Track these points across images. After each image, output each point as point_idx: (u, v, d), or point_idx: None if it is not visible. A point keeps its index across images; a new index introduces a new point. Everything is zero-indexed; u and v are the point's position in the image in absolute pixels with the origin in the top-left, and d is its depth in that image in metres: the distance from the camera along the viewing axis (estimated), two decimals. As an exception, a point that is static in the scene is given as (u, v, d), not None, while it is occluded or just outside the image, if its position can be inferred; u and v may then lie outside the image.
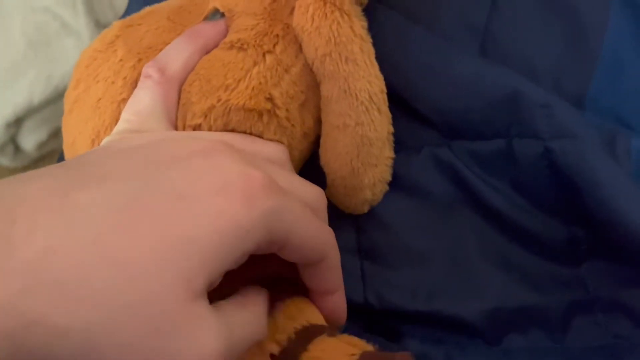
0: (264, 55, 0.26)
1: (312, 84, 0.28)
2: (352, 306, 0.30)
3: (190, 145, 0.21)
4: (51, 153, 0.54)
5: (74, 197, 0.18)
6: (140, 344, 0.17)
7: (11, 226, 0.17)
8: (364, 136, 0.27)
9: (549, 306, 0.29)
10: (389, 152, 0.29)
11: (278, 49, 0.27)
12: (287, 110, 0.27)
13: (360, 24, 0.27)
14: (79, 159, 0.21)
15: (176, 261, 0.18)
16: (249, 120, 0.26)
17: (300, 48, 0.27)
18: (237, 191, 0.19)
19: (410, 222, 0.31)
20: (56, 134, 0.52)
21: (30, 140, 0.51)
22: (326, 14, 0.26)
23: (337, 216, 0.31)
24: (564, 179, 0.29)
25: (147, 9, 0.31)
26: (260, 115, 0.26)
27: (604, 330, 0.29)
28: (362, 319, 0.31)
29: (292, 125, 0.27)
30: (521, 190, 0.30)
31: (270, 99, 0.26)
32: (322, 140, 0.28)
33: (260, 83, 0.26)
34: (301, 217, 0.21)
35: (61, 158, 0.35)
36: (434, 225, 0.31)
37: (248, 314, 0.21)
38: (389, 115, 0.28)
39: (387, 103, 0.28)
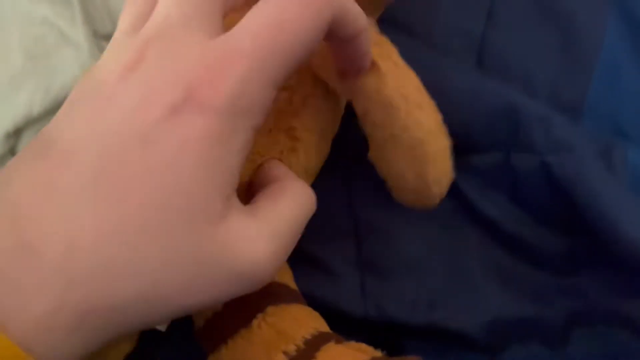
0: None
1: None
2: (352, 319, 0.30)
3: None
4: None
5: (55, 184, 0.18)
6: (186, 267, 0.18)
7: (23, 234, 0.17)
8: (413, 138, 0.26)
9: (549, 317, 0.30)
10: (443, 142, 0.27)
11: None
12: None
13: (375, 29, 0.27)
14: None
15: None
16: None
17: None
18: None
19: (410, 234, 0.31)
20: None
21: (29, 152, 0.51)
22: None
23: (337, 228, 0.31)
24: (561, 192, 0.29)
25: None
26: None
27: (604, 341, 0.29)
28: (363, 333, 0.31)
29: None
30: (519, 203, 0.30)
31: None
32: (374, 155, 0.28)
33: None
34: None
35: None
36: (433, 237, 0.31)
37: (282, 205, 0.21)
38: (432, 104, 0.27)
39: (426, 95, 0.27)
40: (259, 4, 0.19)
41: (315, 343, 0.23)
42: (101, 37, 0.53)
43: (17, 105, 0.49)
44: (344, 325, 0.27)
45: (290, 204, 0.21)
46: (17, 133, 0.51)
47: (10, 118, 0.49)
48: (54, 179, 0.18)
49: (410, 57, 0.31)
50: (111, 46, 0.21)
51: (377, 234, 0.31)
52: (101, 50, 0.42)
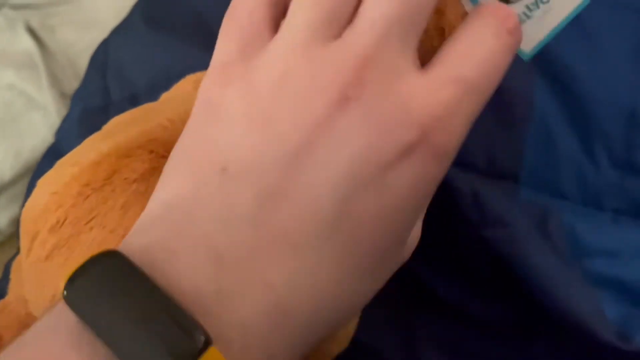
0: None
1: None
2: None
3: None
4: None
5: None
6: None
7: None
8: None
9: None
10: None
11: None
12: None
13: None
14: None
15: None
16: None
17: None
18: None
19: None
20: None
21: (3, 216, 0.52)
22: None
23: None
24: (501, 265, 0.30)
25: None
26: None
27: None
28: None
29: None
30: (464, 277, 0.31)
31: None
32: None
33: None
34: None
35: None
36: (385, 320, 0.31)
37: None
38: None
39: None
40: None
41: None
42: (68, 97, 0.54)
43: (-13, 173, 0.50)
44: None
45: None
46: (-11, 199, 0.52)
47: (-19, 186, 0.50)
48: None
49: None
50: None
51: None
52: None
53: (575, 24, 0.35)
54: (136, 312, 0.14)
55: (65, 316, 0.15)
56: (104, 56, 0.40)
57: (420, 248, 0.31)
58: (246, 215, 0.16)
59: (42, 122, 0.53)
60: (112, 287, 0.15)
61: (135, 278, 0.15)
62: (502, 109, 0.34)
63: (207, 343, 0.14)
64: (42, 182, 0.25)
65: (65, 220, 0.24)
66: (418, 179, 0.17)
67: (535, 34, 0.21)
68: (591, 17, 0.35)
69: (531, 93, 0.34)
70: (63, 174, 0.24)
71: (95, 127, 0.28)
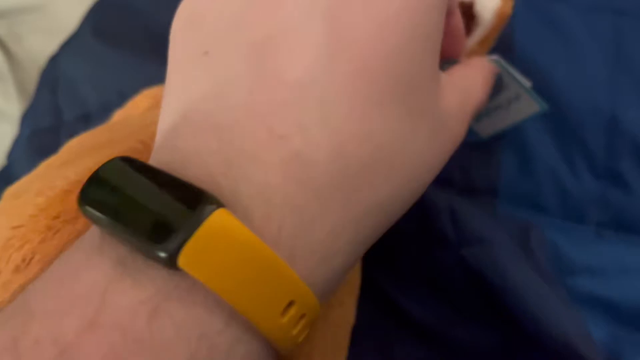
0: None
1: None
2: None
3: None
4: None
5: None
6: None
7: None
8: None
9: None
10: None
11: None
12: None
13: None
14: None
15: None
16: None
17: None
18: None
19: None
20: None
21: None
22: None
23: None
24: (481, 284, 0.28)
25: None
26: None
27: None
28: None
29: None
30: (444, 299, 0.29)
31: None
32: None
33: None
34: None
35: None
36: (364, 344, 0.30)
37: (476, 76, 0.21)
38: None
39: None
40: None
41: None
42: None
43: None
44: None
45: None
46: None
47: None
48: None
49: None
50: None
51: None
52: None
53: (551, 27, 0.34)
54: (142, 195, 0.14)
55: (88, 232, 0.15)
56: (54, 73, 0.37)
57: (398, 271, 0.30)
58: (236, 76, 0.16)
59: (10, 133, 0.51)
60: (119, 184, 0.14)
61: (141, 170, 0.15)
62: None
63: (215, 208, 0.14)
64: (-3, 215, 0.22)
65: (32, 258, 0.21)
66: None
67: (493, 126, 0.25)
68: (568, 21, 0.33)
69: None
70: (25, 204, 0.22)
71: (46, 149, 0.26)
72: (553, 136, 0.32)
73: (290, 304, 0.14)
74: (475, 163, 0.31)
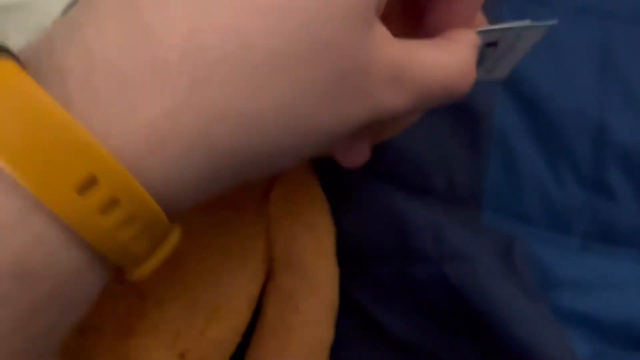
0: None
1: None
2: None
3: None
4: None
5: None
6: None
7: (142, 16, 0.13)
8: None
9: None
10: None
11: None
12: None
13: None
14: None
15: None
16: None
17: None
18: None
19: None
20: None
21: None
22: None
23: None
24: (462, 301, 0.27)
25: None
26: None
27: None
28: None
29: None
30: (424, 315, 0.28)
31: None
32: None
33: None
34: None
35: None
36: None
37: (445, 55, 0.18)
38: None
39: None
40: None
41: None
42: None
43: None
44: None
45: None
46: None
47: None
48: None
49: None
50: None
51: None
52: None
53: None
54: None
55: None
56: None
57: (377, 286, 0.29)
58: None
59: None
60: None
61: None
62: (461, 128, 0.31)
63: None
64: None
65: None
66: None
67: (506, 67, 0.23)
68: (554, 27, 0.32)
69: (491, 109, 0.31)
70: None
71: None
72: (538, 144, 0.31)
73: (93, 181, 0.12)
74: (458, 171, 0.30)
